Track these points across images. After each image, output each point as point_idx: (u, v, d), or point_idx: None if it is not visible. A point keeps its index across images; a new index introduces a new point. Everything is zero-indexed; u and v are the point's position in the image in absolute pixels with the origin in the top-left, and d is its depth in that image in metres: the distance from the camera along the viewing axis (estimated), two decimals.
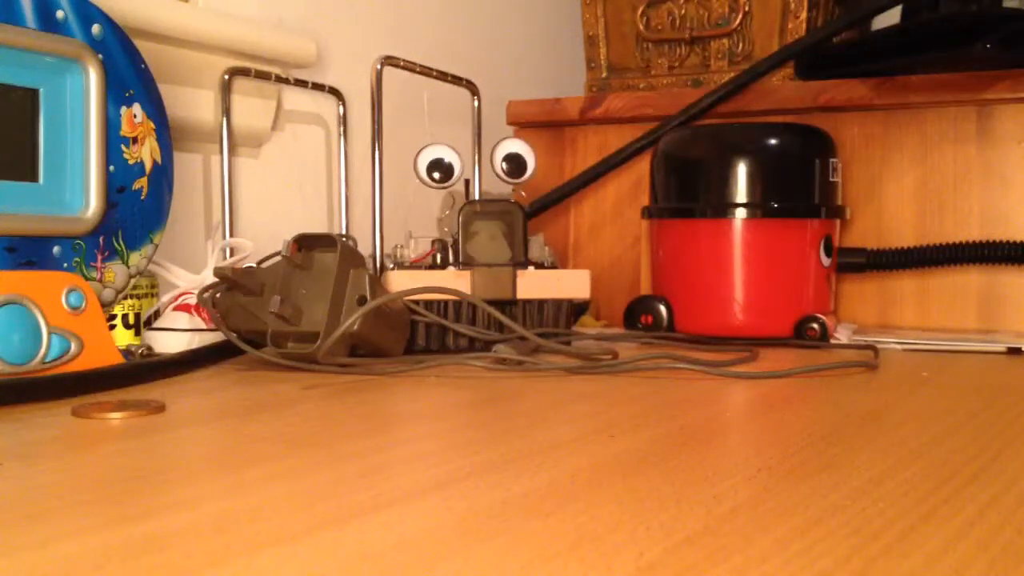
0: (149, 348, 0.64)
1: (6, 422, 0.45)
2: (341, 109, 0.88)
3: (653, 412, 0.48)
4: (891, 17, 1.02)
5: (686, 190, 0.85)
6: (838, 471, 0.36)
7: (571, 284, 0.76)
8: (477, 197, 0.85)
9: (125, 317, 0.65)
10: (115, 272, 0.61)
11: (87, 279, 0.58)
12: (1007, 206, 0.90)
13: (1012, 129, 0.90)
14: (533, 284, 0.74)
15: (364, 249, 0.69)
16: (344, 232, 0.85)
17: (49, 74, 0.57)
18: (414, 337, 0.71)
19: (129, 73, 0.61)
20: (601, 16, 1.09)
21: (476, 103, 0.99)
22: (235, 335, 0.61)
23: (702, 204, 0.84)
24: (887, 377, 0.62)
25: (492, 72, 1.08)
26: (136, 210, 0.62)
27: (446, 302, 0.72)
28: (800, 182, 0.84)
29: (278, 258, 0.62)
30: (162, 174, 0.64)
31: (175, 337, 0.64)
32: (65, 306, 0.54)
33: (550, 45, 1.25)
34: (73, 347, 0.53)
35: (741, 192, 0.82)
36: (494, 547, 0.27)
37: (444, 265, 0.74)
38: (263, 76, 0.79)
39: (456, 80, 0.96)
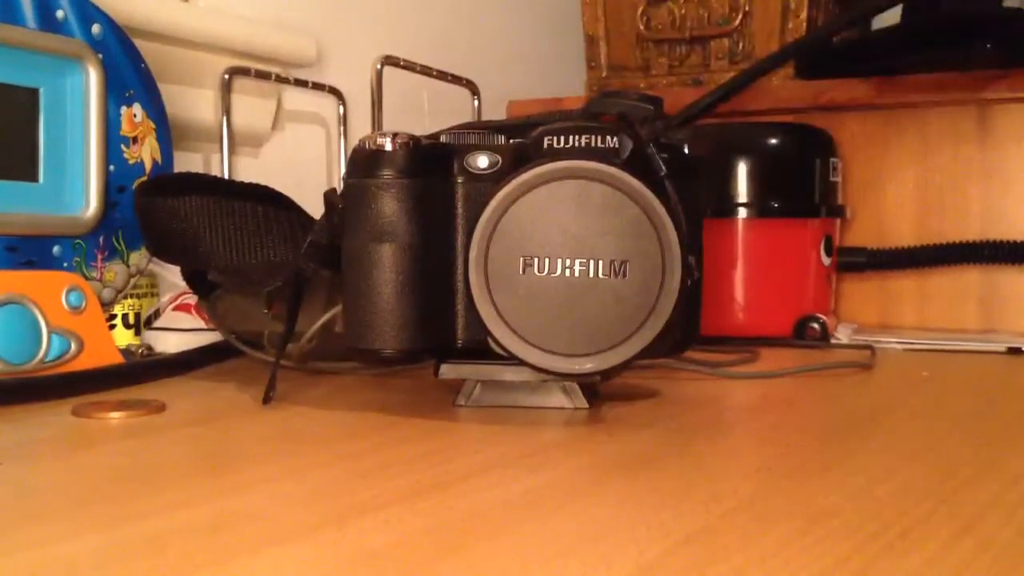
0: (149, 348, 0.63)
1: (6, 422, 0.45)
2: (341, 109, 0.88)
3: (653, 412, 0.48)
4: (891, 17, 1.02)
5: None
6: (838, 471, 0.36)
7: None
8: None
9: (125, 317, 0.65)
10: (115, 272, 0.61)
11: (87, 279, 0.58)
12: (1007, 206, 0.90)
13: (1012, 129, 0.90)
14: None
15: None
16: None
17: (49, 74, 0.57)
18: None
19: (129, 73, 0.61)
20: (601, 16, 1.09)
21: (476, 103, 0.99)
22: (233, 336, 0.61)
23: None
24: (887, 377, 0.62)
25: (492, 72, 1.08)
26: None
27: None
28: (800, 182, 0.84)
29: None
30: None
31: (175, 337, 0.64)
32: (65, 306, 0.54)
33: (550, 45, 1.25)
34: (73, 347, 0.53)
35: (741, 192, 0.82)
36: (494, 547, 0.27)
37: None
38: (263, 76, 0.79)
39: (456, 80, 0.96)
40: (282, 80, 0.82)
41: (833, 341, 0.81)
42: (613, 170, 0.42)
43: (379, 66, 0.85)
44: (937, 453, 0.39)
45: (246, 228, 0.56)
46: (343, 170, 0.87)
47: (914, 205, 0.93)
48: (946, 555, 0.26)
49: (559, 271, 0.42)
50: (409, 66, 0.88)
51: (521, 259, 0.43)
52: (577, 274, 0.42)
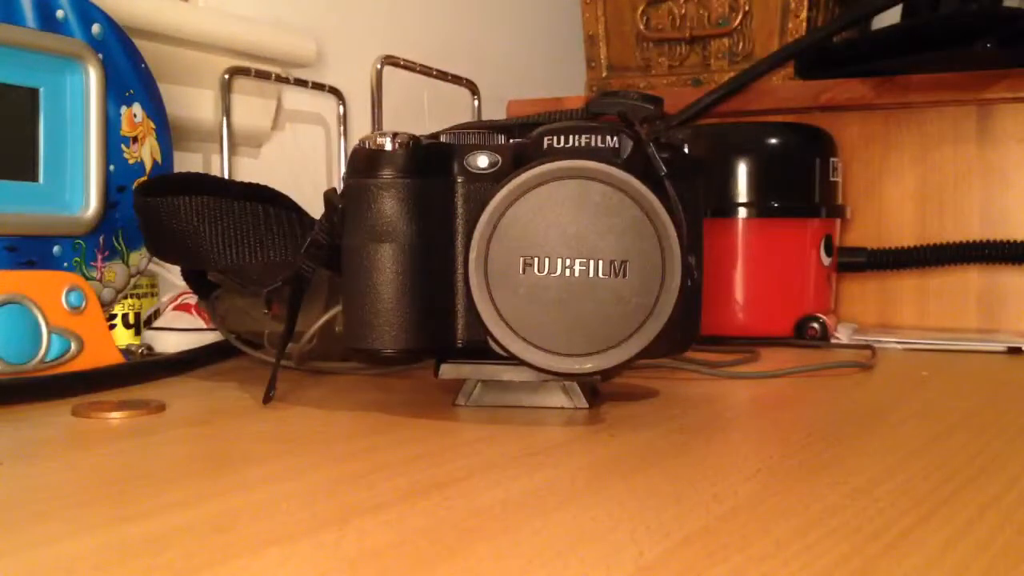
0: (149, 348, 0.64)
1: (6, 422, 0.45)
2: (341, 109, 0.88)
3: (653, 412, 0.48)
4: (891, 17, 1.02)
5: None
6: (838, 471, 0.36)
7: None
8: None
9: (125, 317, 0.65)
10: (115, 271, 0.61)
11: (87, 279, 0.58)
12: (1007, 206, 0.90)
13: (1012, 129, 0.90)
14: None
15: None
16: None
17: (49, 74, 0.57)
18: None
19: (129, 73, 0.61)
20: (601, 16, 1.09)
21: (476, 103, 0.99)
22: (233, 336, 0.61)
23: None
24: (887, 377, 0.62)
25: (492, 72, 1.08)
26: None
27: None
28: (800, 182, 0.84)
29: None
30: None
31: (175, 337, 0.64)
32: (65, 306, 0.54)
33: (550, 45, 1.25)
34: (73, 347, 0.53)
35: (741, 192, 0.82)
36: (494, 547, 0.27)
37: None
38: (263, 76, 0.79)
39: (456, 80, 0.96)
40: (282, 80, 0.82)
41: (833, 341, 0.81)
42: (613, 170, 0.42)
43: (379, 66, 0.85)
44: (937, 453, 0.39)
45: (246, 228, 0.56)
46: (343, 170, 0.87)
47: (914, 205, 0.93)
48: (946, 555, 0.26)
49: (559, 271, 0.42)
50: (409, 66, 0.88)
51: (521, 259, 0.43)
52: (577, 274, 0.42)
